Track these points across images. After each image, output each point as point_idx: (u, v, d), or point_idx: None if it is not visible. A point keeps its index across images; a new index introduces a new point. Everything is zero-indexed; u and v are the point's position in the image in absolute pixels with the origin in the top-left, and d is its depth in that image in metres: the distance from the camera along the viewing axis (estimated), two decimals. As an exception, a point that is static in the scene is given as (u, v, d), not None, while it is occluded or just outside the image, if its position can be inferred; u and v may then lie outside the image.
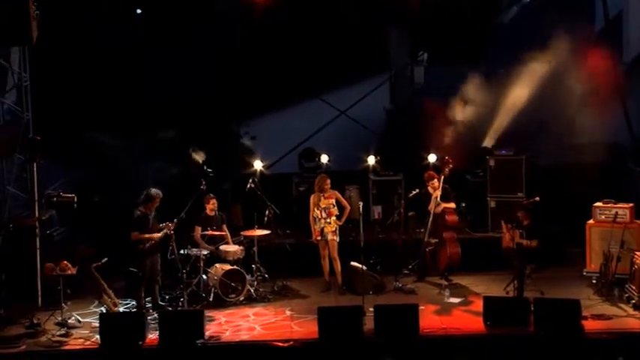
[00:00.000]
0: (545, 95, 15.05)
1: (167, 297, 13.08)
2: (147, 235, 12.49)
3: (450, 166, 13.67)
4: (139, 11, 15.55)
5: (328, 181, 13.43)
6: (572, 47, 14.91)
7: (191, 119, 15.54)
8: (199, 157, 14.80)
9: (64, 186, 13.89)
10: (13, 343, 11.59)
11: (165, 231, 12.56)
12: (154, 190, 12.62)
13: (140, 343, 11.37)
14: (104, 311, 12.20)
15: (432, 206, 13.67)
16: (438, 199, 13.57)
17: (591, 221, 13.44)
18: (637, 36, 16.64)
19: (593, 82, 14.83)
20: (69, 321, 12.10)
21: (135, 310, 12.45)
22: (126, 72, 15.16)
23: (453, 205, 13.69)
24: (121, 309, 12.50)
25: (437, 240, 13.61)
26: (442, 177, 13.62)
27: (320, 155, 15.93)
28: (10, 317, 12.36)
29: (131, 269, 12.56)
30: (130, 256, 12.58)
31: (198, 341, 11.38)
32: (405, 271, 14.01)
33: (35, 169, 13.13)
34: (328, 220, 13.36)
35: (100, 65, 15.07)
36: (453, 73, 15.94)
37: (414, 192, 13.83)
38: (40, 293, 12.98)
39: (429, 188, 13.69)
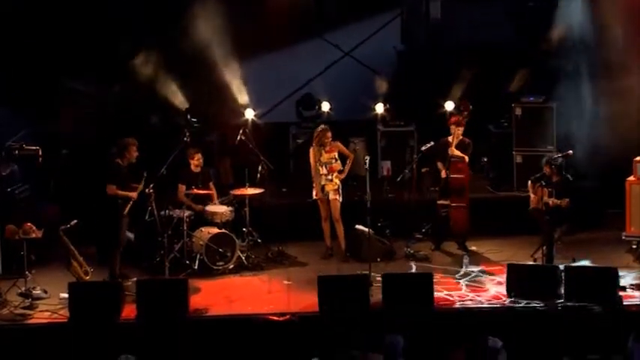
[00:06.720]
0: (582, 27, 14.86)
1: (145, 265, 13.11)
2: (123, 192, 12.45)
3: (466, 112, 13.52)
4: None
5: (329, 134, 13.37)
6: None
7: (173, 61, 15.44)
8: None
9: (27, 138, 13.83)
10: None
11: (139, 188, 12.51)
12: (129, 139, 12.56)
13: (115, 316, 11.34)
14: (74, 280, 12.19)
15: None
16: (453, 151, 13.41)
17: (632, 177, 13.36)
18: None
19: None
20: (34, 291, 12.03)
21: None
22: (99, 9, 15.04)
23: (464, 156, 13.47)
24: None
25: (448, 202, 13.57)
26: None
27: (321, 102, 15.91)
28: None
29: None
30: (104, 216, 12.54)
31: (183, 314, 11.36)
32: (418, 236, 13.97)
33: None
34: (329, 177, 13.34)
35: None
36: (477, 6, 15.77)
37: (429, 144, 13.67)
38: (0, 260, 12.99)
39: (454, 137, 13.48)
